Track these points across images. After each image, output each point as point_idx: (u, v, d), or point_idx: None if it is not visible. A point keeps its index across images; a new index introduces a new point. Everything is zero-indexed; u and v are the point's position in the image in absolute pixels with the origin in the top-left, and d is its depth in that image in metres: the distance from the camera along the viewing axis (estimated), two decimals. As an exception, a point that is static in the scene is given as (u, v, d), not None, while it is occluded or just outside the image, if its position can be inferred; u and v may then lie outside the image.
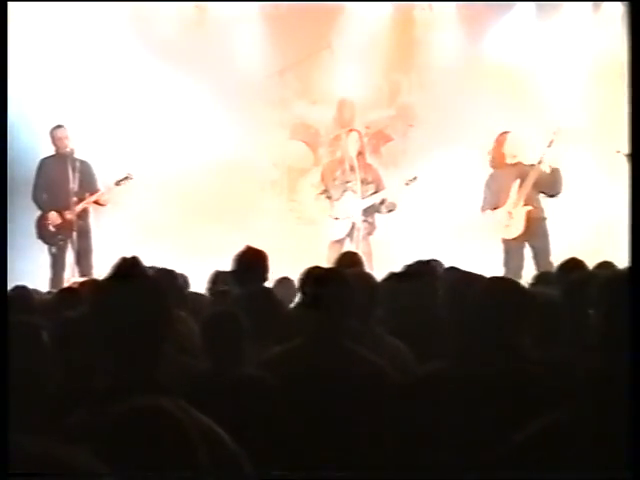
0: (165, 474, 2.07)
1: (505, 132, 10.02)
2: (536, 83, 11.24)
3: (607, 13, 11.37)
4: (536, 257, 9.65)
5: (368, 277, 4.93)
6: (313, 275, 4.35)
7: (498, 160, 10.01)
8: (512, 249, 9.81)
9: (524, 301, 3.54)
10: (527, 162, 9.88)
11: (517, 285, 3.79)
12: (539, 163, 9.72)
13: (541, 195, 9.92)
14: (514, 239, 9.76)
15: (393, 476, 3.57)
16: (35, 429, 1.82)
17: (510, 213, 9.79)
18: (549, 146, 9.72)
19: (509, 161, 9.91)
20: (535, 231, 9.76)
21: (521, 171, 9.81)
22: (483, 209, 10.01)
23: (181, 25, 11.26)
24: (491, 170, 10.11)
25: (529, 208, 9.73)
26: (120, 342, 2.49)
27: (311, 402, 3.79)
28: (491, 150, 10.11)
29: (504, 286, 3.70)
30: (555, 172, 9.69)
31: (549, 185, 9.78)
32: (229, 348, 3.97)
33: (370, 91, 11.69)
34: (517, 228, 9.76)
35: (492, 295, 3.54)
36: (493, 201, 9.92)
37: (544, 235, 9.78)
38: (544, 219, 9.88)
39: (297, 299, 5.45)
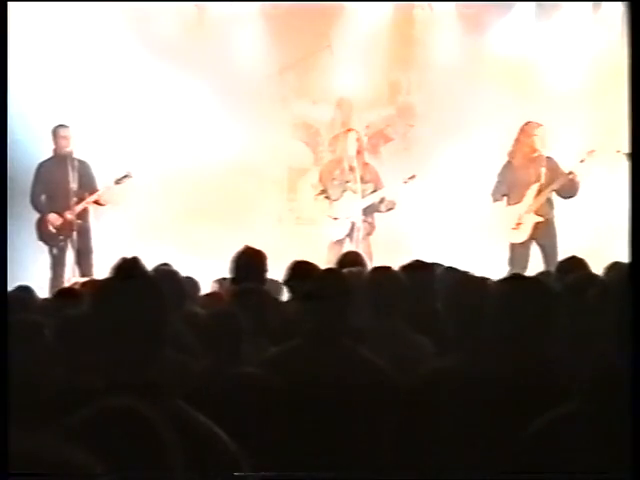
0: (166, 474, 2.07)
1: (532, 123, 9.88)
2: (536, 82, 11.23)
3: (607, 13, 11.36)
4: (545, 256, 9.65)
5: (391, 273, 4.92)
6: (313, 275, 4.35)
7: (521, 151, 9.89)
8: (517, 249, 9.80)
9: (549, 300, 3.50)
10: (545, 156, 9.83)
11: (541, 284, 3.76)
12: (568, 175, 9.68)
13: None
14: (520, 243, 9.78)
15: (393, 476, 3.57)
16: (34, 428, 1.82)
17: (521, 217, 9.77)
18: (581, 162, 9.67)
19: (532, 154, 9.83)
20: (542, 231, 9.75)
21: (539, 169, 9.73)
22: (494, 197, 9.92)
23: (181, 25, 11.25)
24: (508, 158, 10.00)
25: (540, 219, 9.70)
26: (120, 342, 2.49)
27: (311, 402, 3.79)
28: (515, 139, 9.95)
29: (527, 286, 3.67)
30: (576, 182, 9.68)
31: (566, 191, 9.78)
32: (228, 347, 3.96)
33: (370, 90, 11.68)
34: (524, 233, 9.74)
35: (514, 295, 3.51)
36: (504, 190, 9.87)
37: (552, 235, 9.77)
38: (552, 218, 9.88)
39: (293, 298, 5.46)
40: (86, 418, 2.03)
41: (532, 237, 9.77)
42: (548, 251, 9.60)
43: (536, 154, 9.80)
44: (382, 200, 10.12)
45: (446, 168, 10.90)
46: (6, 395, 2.35)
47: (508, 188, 9.86)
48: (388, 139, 11.88)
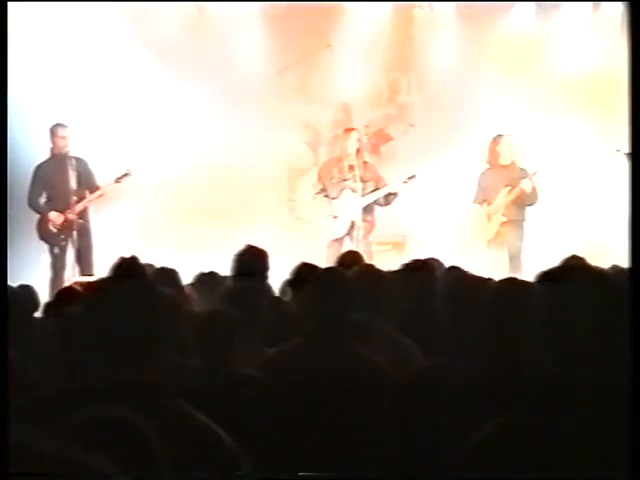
0: (173, 474, 2.07)
1: (500, 135, 10.47)
2: (536, 82, 11.24)
3: (607, 13, 11.36)
4: (510, 258, 10.34)
5: (379, 272, 4.92)
6: (313, 274, 4.35)
7: (492, 160, 10.53)
8: (492, 245, 10.45)
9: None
10: (519, 164, 10.41)
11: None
12: (532, 175, 10.31)
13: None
14: (488, 241, 10.47)
15: (393, 476, 3.57)
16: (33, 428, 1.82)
17: (489, 216, 10.46)
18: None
19: (502, 162, 10.43)
20: (507, 230, 10.40)
21: (510, 175, 10.36)
22: (474, 202, 10.60)
23: (181, 25, 11.25)
24: (486, 166, 10.58)
25: (504, 220, 10.40)
26: (118, 342, 2.49)
27: (311, 401, 3.79)
28: (487, 149, 10.55)
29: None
30: (535, 191, 10.34)
31: (529, 199, 10.43)
32: (223, 346, 3.95)
33: (370, 90, 11.69)
34: (491, 233, 10.46)
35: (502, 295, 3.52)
36: (482, 196, 10.52)
37: (516, 234, 10.42)
38: (522, 222, 10.47)
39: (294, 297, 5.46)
40: (74, 425, 2.01)
41: (498, 235, 10.43)
42: (511, 249, 10.37)
43: (507, 162, 10.42)
44: (388, 195, 10.18)
45: (446, 167, 10.93)
46: (6, 395, 2.35)
47: (485, 194, 10.50)
48: (388, 139, 11.89)
